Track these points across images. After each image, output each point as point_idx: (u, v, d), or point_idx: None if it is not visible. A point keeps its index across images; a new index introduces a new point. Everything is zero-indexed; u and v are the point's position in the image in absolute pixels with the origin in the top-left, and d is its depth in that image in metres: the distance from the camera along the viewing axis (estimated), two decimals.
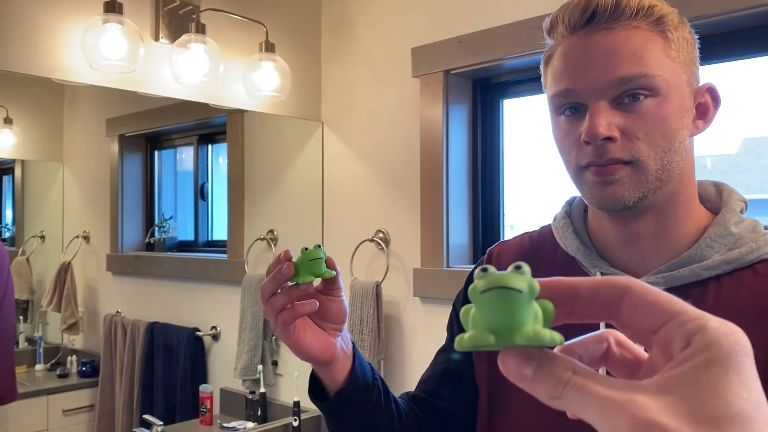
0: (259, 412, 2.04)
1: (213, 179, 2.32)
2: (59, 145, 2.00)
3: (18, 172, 2.00)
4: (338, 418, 0.77)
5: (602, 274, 0.72)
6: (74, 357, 2.05)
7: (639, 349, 0.35)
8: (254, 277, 2.12)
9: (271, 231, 2.18)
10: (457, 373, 0.83)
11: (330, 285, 0.73)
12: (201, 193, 2.31)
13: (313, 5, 2.11)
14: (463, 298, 0.86)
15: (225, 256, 2.22)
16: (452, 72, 1.75)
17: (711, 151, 1.86)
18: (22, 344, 2.00)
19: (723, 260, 0.67)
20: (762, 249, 0.68)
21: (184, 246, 2.29)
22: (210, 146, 2.31)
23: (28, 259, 1.97)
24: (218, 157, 2.32)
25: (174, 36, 1.73)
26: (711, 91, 0.71)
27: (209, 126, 2.27)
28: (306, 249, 0.68)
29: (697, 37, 0.71)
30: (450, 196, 1.78)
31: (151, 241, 2.22)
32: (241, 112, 2.09)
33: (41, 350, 2.01)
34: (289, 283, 0.68)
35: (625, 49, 0.65)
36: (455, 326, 0.86)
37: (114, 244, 2.14)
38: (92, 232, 2.07)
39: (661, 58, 0.66)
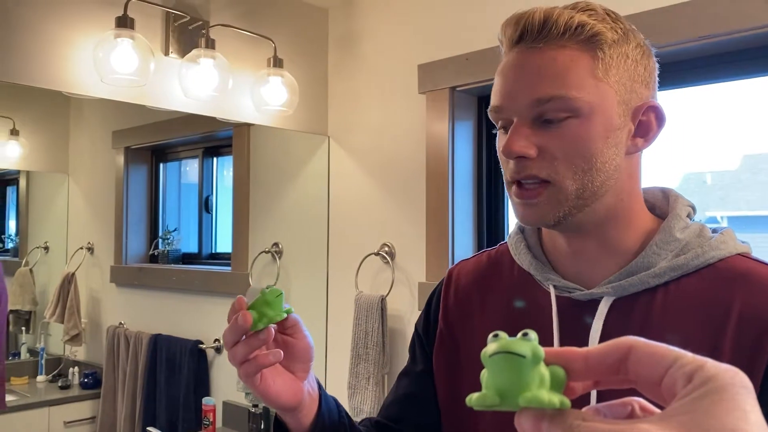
0: (261, 425, 2.04)
1: (217, 192, 2.34)
2: (65, 156, 2.01)
3: (23, 183, 2.01)
4: None
5: (554, 286, 0.73)
6: (76, 368, 2.05)
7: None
8: (258, 290, 2.13)
9: (276, 244, 2.19)
10: (419, 397, 0.82)
11: (285, 324, 0.70)
12: (205, 206, 2.33)
13: (321, 21, 2.13)
14: (423, 321, 0.85)
15: (229, 268, 2.23)
16: (458, 89, 1.78)
17: (711, 167, 1.88)
18: (24, 355, 1.99)
19: (669, 267, 0.68)
20: (707, 254, 0.68)
21: (187, 258, 2.30)
22: (215, 159, 2.33)
23: (31, 270, 1.97)
24: (223, 170, 2.34)
25: (184, 51, 1.76)
26: (654, 109, 0.70)
27: (215, 139, 2.28)
28: (267, 288, 0.67)
29: (653, 50, 0.72)
30: (456, 211, 1.79)
31: (155, 253, 2.23)
32: (248, 125, 2.11)
33: (43, 361, 2.01)
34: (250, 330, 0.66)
35: (548, 69, 0.66)
36: (417, 349, 0.86)
37: (118, 256, 2.14)
38: (96, 243, 2.08)
39: (585, 79, 0.66)
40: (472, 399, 0.36)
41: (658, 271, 0.68)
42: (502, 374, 0.35)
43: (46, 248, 2.01)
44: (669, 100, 1.55)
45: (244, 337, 0.66)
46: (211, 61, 1.71)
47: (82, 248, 2.05)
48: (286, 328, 0.70)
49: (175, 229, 2.28)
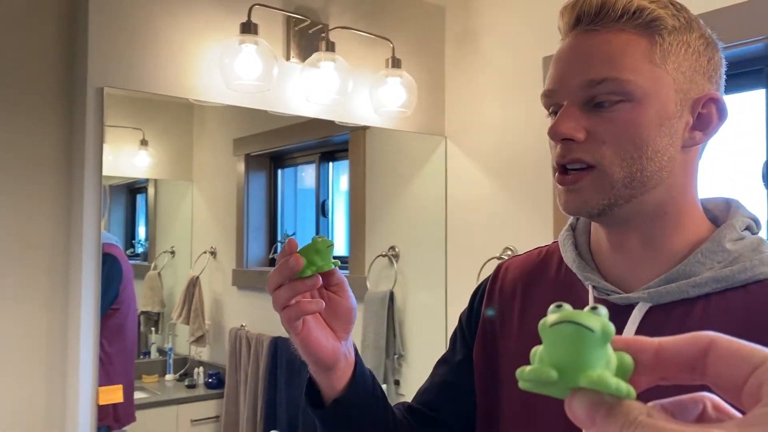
0: None
1: (333, 196, 2.34)
2: (189, 164, 2.08)
3: (151, 191, 2.09)
4: (333, 428, 0.74)
5: (593, 287, 0.70)
6: (201, 368, 2.11)
7: (737, 414, 0.32)
8: (376, 294, 2.10)
9: (393, 247, 2.16)
10: (455, 386, 0.82)
11: (331, 281, 0.70)
12: (322, 210, 2.34)
13: (438, 19, 2.09)
14: (467, 312, 0.85)
15: (346, 272, 2.22)
16: None
17: None
18: (154, 354, 2.07)
19: (712, 278, 0.64)
20: (757, 268, 0.63)
21: None
22: (331, 164, 2.34)
23: (159, 274, 2.04)
24: (339, 175, 2.34)
25: (304, 55, 1.76)
26: (716, 102, 0.66)
27: (331, 144, 2.29)
28: (318, 237, 0.66)
29: (720, 45, 0.69)
30: None
31: (274, 257, 2.26)
32: (364, 128, 2.09)
33: (171, 361, 2.08)
34: (296, 276, 0.65)
35: (602, 51, 0.64)
36: (458, 339, 0.85)
37: (239, 260, 2.19)
38: (219, 247, 2.12)
39: (641, 63, 0.64)
40: (524, 373, 0.31)
41: (700, 281, 0.64)
42: (563, 348, 0.30)
43: (173, 252, 2.07)
44: None
45: (288, 282, 0.66)
46: (331, 64, 1.71)
47: (205, 252, 2.10)
48: (331, 284, 0.70)
49: (293, 234, 2.30)
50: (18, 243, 1.58)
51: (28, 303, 1.59)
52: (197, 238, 2.11)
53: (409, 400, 0.86)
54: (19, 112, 1.57)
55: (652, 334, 0.62)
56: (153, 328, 2.07)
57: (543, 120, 1.78)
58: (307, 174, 2.38)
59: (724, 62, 0.69)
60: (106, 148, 1.60)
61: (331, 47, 1.71)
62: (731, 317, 0.62)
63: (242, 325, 2.15)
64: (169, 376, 2.08)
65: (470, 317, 0.84)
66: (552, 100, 0.68)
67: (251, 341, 2.14)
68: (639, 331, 0.65)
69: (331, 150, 2.31)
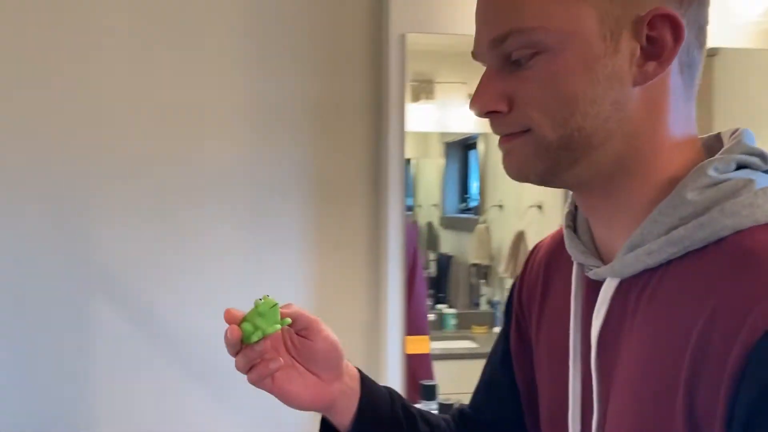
0: None
1: None
2: None
3: (481, 146, 2.12)
4: None
5: (578, 263, 0.63)
6: None
7: None
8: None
9: None
10: (496, 384, 0.79)
11: (298, 326, 0.69)
12: None
13: None
14: (506, 302, 0.80)
15: None
16: None
17: None
18: (484, 306, 2.13)
19: (667, 241, 0.52)
20: (718, 222, 0.50)
21: None
22: None
23: (488, 228, 2.08)
24: None
25: None
26: (667, 18, 0.51)
27: None
28: (260, 299, 0.66)
29: None
30: None
31: None
32: (710, 54, 1.72)
33: (498, 313, 2.10)
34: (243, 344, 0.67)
35: (503, 1, 0.55)
36: (500, 335, 0.80)
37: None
38: (545, 202, 2.05)
39: (547, 3, 0.52)
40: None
41: (654, 247, 0.53)
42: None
43: (501, 207, 2.09)
44: None
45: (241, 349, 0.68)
46: None
47: (532, 207, 2.06)
48: (299, 330, 0.70)
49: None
50: (333, 192, 1.73)
51: (346, 253, 1.75)
52: (524, 192, 2.07)
53: None
54: (330, 68, 1.70)
55: (618, 311, 0.59)
56: (483, 280, 2.13)
57: None
58: None
59: None
60: (434, 104, 1.64)
61: None
62: (676, 287, 0.52)
63: None
64: (497, 329, 2.12)
65: (508, 306, 0.80)
66: (480, 63, 0.62)
67: None
68: (610, 311, 0.57)
69: None
